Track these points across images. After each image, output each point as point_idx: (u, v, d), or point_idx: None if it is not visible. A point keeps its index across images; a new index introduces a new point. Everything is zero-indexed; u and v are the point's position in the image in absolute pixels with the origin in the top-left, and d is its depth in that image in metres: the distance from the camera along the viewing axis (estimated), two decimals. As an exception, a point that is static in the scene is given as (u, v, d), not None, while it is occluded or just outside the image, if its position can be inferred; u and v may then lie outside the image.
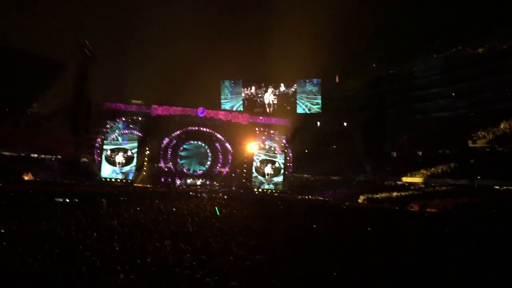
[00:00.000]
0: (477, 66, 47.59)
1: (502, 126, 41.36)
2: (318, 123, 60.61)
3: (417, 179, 44.39)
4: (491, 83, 46.13)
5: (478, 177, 37.63)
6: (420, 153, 50.22)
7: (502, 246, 13.55)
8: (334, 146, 57.13)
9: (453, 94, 50.40)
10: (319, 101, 55.39)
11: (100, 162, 50.10)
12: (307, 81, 55.81)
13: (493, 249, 12.76)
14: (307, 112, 56.17)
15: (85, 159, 51.03)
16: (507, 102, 44.53)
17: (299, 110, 56.00)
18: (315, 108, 55.89)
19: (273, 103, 57.85)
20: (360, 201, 40.74)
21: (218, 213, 19.11)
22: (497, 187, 37.33)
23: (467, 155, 38.66)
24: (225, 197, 38.56)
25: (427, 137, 48.98)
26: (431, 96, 51.62)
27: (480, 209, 29.72)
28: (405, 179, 45.32)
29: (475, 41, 49.32)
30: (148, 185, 46.93)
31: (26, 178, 40.92)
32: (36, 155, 50.07)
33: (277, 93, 57.79)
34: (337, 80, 60.57)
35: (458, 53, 50.82)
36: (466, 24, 49.17)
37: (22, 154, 48.49)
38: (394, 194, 40.92)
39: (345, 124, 58.60)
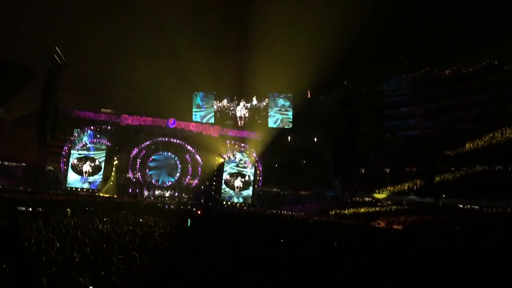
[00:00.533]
0: (444, 87, 49.22)
1: (467, 146, 42.67)
2: (289, 137, 61.05)
3: (384, 196, 45.19)
4: (458, 104, 47.72)
5: (443, 195, 38.58)
6: (387, 170, 51.14)
7: (465, 262, 13.88)
8: (304, 161, 57.54)
9: (421, 113, 51.80)
10: (291, 116, 55.80)
11: (66, 170, 48.95)
12: (279, 95, 56.18)
13: (457, 266, 13.04)
14: (279, 126, 56.45)
15: (50, 167, 49.76)
16: (472, 123, 46.08)
17: (271, 124, 56.25)
18: (287, 123, 56.25)
19: (245, 117, 57.95)
20: (329, 216, 41.12)
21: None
22: (461, 206, 38.36)
23: (433, 173, 39.58)
24: (194, 209, 38.38)
25: (395, 155, 49.98)
26: (400, 115, 52.93)
27: (444, 227, 30.45)
28: (373, 196, 46.08)
29: (443, 63, 51.03)
30: (115, 196, 46.04)
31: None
32: (-2, 162, 48.54)
33: (249, 107, 57.93)
34: (309, 95, 61.23)
35: (427, 74, 52.35)
36: (434, 47, 50.89)
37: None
38: (362, 210, 41.52)
39: (315, 139, 59.17)
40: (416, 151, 44.97)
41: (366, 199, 47.08)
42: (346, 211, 41.36)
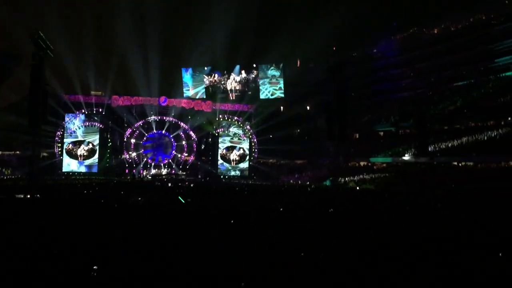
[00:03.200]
0: (433, 47, 49.15)
1: (459, 103, 42.94)
2: (282, 108, 60.98)
3: (379, 159, 45.63)
4: (448, 62, 47.80)
5: (438, 154, 39.06)
6: (381, 133, 51.49)
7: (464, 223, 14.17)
8: (298, 130, 57.71)
9: (412, 74, 51.87)
10: (282, 86, 55.51)
11: (61, 155, 48.84)
12: (268, 66, 55.76)
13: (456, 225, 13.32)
14: (270, 97, 56.20)
15: (44, 154, 49.52)
16: (463, 80, 46.29)
17: (262, 95, 55.96)
18: (278, 93, 55.98)
19: (236, 89, 57.61)
20: (326, 183, 41.57)
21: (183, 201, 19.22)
22: (455, 163, 38.87)
23: (427, 133, 39.98)
24: (191, 185, 38.66)
25: (388, 118, 50.23)
26: (390, 77, 52.94)
27: (441, 185, 30.97)
28: (368, 160, 46.50)
29: (431, 22, 50.85)
30: (114, 178, 46.26)
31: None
32: (-8, 151, 48.36)
33: (239, 80, 57.52)
34: (298, 64, 60.91)
35: (415, 34, 52.23)
36: (422, 6, 50.52)
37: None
38: (358, 176, 42.02)
39: (308, 108, 59.22)
40: (409, 112, 45.23)
41: (362, 163, 47.54)
42: (342, 178, 41.77)
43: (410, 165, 40.95)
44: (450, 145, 39.37)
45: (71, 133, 49.37)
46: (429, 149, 39.69)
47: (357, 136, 53.26)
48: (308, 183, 43.82)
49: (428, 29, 51.95)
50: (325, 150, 51.16)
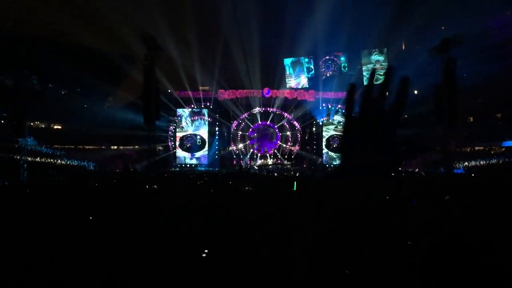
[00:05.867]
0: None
1: None
2: (387, 93, 58.96)
3: (497, 144, 42.56)
4: None
5: None
6: (499, 116, 47.90)
7: None
8: (406, 116, 55.51)
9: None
10: (387, 71, 53.62)
11: (174, 149, 51.97)
12: (372, 51, 54.23)
13: None
14: (375, 83, 54.57)
15: (160, 148, 52.99)
16: None
17: (366, 82, 54.51)
18: (382, 79, 54.18)
19: (338, 77, 56.78)
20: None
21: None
22: None
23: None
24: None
25: (505, 99, 46.57)
26: (507, 55, 48.89)
27: None
28: (485, 144, 43.56)
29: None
30: (223, 169, 48.26)
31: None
32: (115, 147, 52.83)
33: (341, 67, 56.65)
34: (403, 47, 58.49)
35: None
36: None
37: (103, 147, 51.49)
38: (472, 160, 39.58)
39: (415, 92, 56.71)
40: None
41: (477, 148, 44.66)
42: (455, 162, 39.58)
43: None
44: None
45: (182, 127, 52.28)
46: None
47: (471, 120, 50.11)
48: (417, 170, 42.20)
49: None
50: (434, 135, 48.87)
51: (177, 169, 49.01)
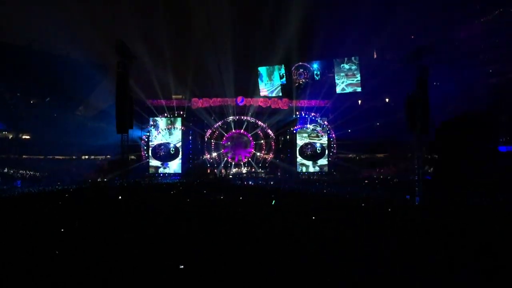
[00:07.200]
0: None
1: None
2: (359, 101, 59.59)
3: None
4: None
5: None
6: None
7: None
8: (378, 124, 56.13)
9: (501, 59, 48.74)
10: (359, 79, 54.27)
11: (147, 158, 51.21)
12: (344, 59, 54.74)
13: None
14: (347, 91, 55.10)
15: (132, 157, 52.13)
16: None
17: (339, 90, 55.06)
18: (355, 87, 54.82)
19: (311, 85, 57.09)
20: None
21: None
22: None
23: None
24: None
25: (476, 105, 47.52)
26: (477, 63, 50.06)
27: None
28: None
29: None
30: (197, 177, 47.76)
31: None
32: (86, 156, 51.78)
33: (313, 75, 56.99)
34: (375, 56, 59.22)
35: (502, 15, 49.00)
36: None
37: (74, 157, 50.37)
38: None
39: (386, 100, 57.49)
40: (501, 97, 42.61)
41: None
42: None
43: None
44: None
45: (155, 136, 51.61)
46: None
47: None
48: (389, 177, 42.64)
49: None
50: (407, 142, 49.45)
51: (151, 179, 48.21)
